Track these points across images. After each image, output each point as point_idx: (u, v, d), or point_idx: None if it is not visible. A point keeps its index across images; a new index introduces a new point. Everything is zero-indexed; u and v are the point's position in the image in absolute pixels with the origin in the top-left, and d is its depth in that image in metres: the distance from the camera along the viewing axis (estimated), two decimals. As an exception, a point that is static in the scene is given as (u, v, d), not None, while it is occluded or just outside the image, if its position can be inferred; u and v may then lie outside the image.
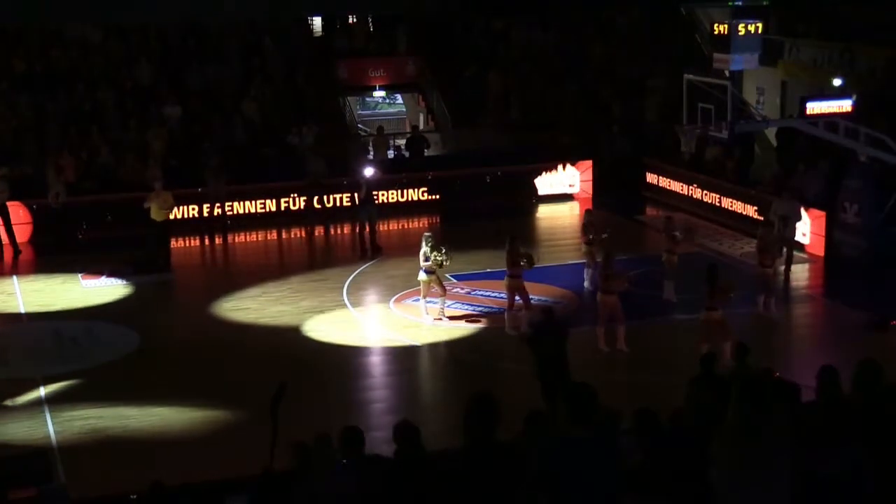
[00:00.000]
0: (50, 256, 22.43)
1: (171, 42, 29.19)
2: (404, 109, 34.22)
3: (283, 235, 24.94)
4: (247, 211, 25.22)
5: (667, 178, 26.42)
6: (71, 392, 15.55)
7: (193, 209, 24.50)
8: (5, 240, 22.72)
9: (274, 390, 7.61)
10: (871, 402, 7.35)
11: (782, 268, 20.00)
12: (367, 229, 22.60)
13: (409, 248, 22.39)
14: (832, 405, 7.37)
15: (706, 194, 25.17)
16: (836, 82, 25.51)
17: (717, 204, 24.76)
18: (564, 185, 27.09)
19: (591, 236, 19.61)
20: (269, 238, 24.64)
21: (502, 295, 18.13)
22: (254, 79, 28.12)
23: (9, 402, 15.20)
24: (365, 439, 7.63)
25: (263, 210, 25.36)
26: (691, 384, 10.87)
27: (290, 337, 17.83)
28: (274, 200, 25.39)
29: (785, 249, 20.03)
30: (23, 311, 19.55)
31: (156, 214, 21.24)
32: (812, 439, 6.78)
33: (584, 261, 19.88)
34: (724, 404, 6.33)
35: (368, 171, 23.39)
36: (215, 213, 24.51)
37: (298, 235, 24.97)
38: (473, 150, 27.50)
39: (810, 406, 7.67)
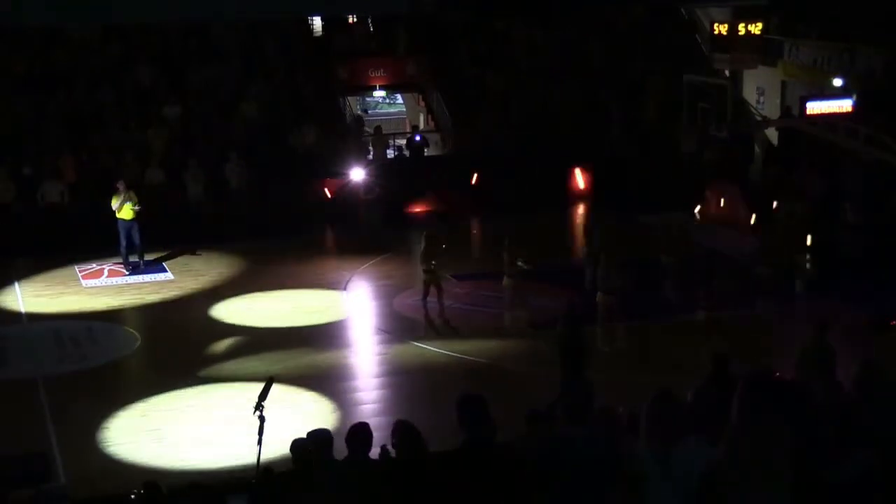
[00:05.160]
0: (51, 257, 22.41)
1: (171, 42, 29.17)
2: (404, 109, 34.21)
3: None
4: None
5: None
6: (71, 392, 15.54)
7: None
8: None
9: (262, 386, 7.63)
10: (873, 403, 7.35)
11: (783, 268, 20.00)
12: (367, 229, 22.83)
13: (409, 248, 22.45)
14: (836, 406, 7.37)
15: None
16: (837, 82, 25.51)
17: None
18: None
19: (592, 237, 19.61)
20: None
21: (502, 295, 18.13)
22: (254, 79, 28.12)
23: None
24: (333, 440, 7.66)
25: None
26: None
27: (290, 336, 17.84)
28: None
29: (786, 249, 20.03)
30: (23, 311, 19.56)
31: (124, 213, 21.41)
32: (819, 442, 6.77)
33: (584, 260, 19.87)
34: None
35: (357, 175, 23.48)
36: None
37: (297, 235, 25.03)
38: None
39: (813, 407, 7.66)
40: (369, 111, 32.39)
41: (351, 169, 23.95)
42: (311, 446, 7.75)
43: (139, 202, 21.53)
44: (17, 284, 21.08)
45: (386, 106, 35.31)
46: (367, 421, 14.14)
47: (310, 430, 8.17)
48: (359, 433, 7.61)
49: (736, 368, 10.92)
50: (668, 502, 6.22)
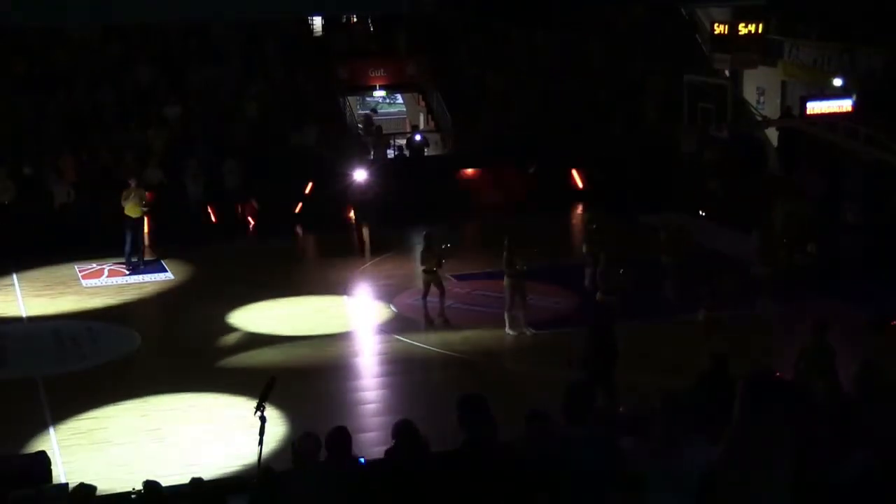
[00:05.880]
0: (52, 256, 22.42)
1: (171, 42, 29.19)
2: (404, 109, 34.21)
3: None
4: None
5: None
6: (71, 392, 15.54)
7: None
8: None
9: (263, 387, 7.62)
10: (872, 403, 7.36)
11: (783, 267, 19.98)
12: (360, 231, 22.83)
13: (409, 248, 22.47)
14: (836, 406, 7.38)
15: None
16: (837, 82, 25.51)
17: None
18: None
19: (592, 234, 19.60)
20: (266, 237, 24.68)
21: (502, 295, 18.11)
22: (254, 79, 28.13)
23: None
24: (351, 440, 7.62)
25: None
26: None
27: (289, 336, 17.84)
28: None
29: (785, 249, 20.02)
30: (23, 311, 19.56)
31: (131, 211, 21.57)
32: (819, 442, 6.78)
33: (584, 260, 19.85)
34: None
35: (360, 175, 23.49)
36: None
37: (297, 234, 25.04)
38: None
39: (813, 407, 7.67)
40: (378, 111, 32.34)
41: (353, 169, 23.95)
42: (301, 449, 7.74)
43: (147, 202, 21.60)
44: (17, 284, 21.09)
45: (386, 106, 35.31)
46: (368, 421, 14.24)
47: (300, 434, 8.16)
48: (336, 437, 7.56)
49: (736, 368, 10.94)
50: (673, 500, 6.22)
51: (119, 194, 21.78)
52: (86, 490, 8.90)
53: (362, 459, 8.03)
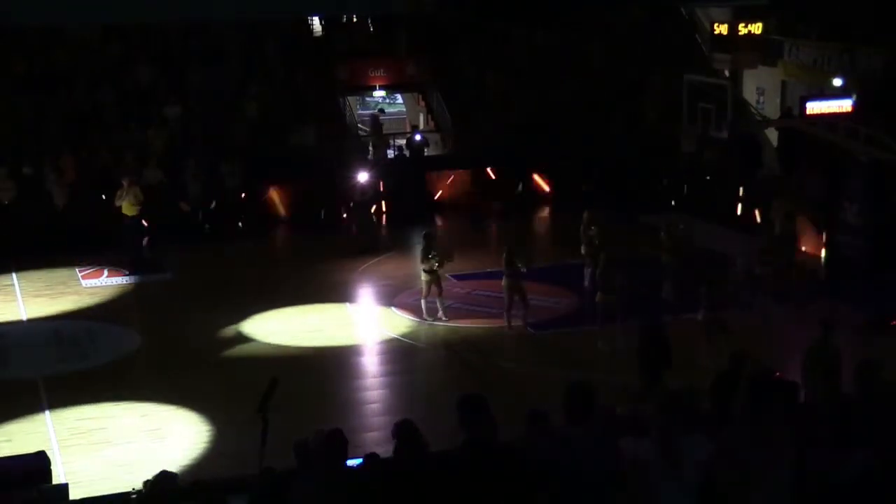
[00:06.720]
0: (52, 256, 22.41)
1: (171, 42, 29.18)
2: (404, 109, 34.21)
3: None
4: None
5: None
6: (71, 392, 15.54)
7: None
8: None
9: (265, 387, 7.62)
10: (872, 403, 7.36)
11: (783, 267, 19.96)
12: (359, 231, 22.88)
13: (409, 249, 22.46)
14: (836, 406, 7.38)
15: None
16: (837, 82, 25.48)
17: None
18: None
19: (591, 235, 19.59)
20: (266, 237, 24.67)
21: (502, 295, 18.12)
22: (254, 79, 28.13)
23: None
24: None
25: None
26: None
27: (289, 336, 17.84)
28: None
29: (786, 249, 20.00)
30: (23, 311, 19.56)
31: (127, 209, 21.68)
32: (819, 442, 6.78)
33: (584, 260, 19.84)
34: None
35: (362, 177, 23.52)
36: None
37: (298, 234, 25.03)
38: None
39: (813, 407, 7.68)
40: (385, 111, 32.25)
41: (356, 171, 23.99)
42: (305, 449, 7.73)
43: (142, 199, 21.66)
44: (17, 284, 21.09)
45: (386, 106, 35.35)
46: (369, 420, 14.24)
47: (305, 434, 8.15)
48: (332, 439, 7.55)
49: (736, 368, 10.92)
50: (673, 500, 6.22)
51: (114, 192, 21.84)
52: (168, 477, 8.62)
53: (360, 460, 8.04)
